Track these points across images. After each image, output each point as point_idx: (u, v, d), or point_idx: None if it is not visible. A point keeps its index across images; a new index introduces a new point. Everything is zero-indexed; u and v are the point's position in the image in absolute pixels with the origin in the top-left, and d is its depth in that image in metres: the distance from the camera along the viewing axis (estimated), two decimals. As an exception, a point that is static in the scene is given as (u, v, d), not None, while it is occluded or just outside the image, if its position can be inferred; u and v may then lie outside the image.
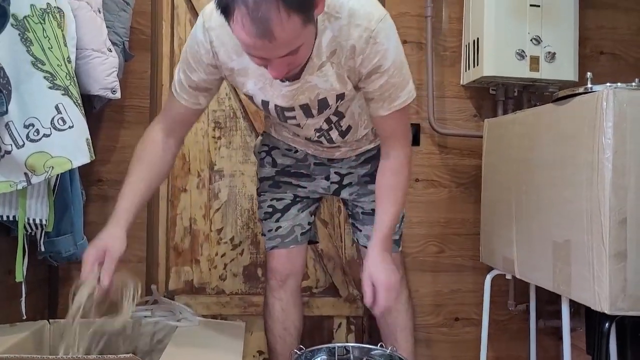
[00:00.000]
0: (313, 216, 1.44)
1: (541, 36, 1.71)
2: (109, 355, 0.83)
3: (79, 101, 1.22)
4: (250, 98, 1.16)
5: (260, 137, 1.47)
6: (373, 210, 1.30)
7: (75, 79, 1.24)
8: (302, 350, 1.14)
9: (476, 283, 1.86)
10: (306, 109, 1.13)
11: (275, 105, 1.12)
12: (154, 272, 1.81)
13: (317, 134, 1.23)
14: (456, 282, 1.90)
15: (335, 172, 1.36)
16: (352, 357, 1.14)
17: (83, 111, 1.22)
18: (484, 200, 1.74)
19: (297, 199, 1.37)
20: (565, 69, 1.74)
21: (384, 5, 1.83)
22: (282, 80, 1.06)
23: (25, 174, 1.11)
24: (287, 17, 0.82)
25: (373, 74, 1.03)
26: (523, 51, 1.71)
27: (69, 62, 1.23)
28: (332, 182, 1.37)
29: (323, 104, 1.12)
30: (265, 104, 1.13)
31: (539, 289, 1.71)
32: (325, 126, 1.20)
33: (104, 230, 1.08)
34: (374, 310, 1.12)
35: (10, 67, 1.10)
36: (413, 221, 1.88)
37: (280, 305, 1.38)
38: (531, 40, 1.71)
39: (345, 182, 1.36)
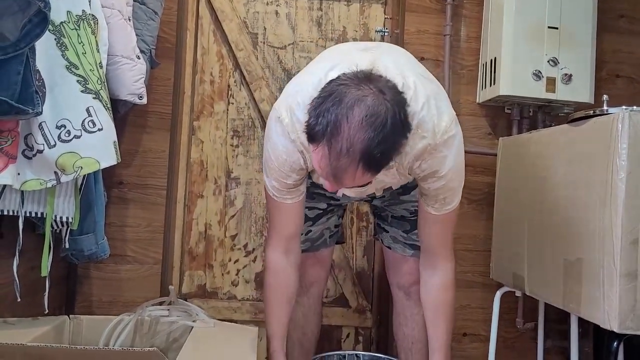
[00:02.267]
0: (340, 219, 1.46)
1: (558, 58, 1.73)
2: (133, 348, 0.86)
3: (109, 105, 1.27)
4: (320, 186, 1.23)
5: None
6: (402, 216, 1.34)
7: (105, 83, 1.29)
8: (313, 357, 1.16)
9: (485, 299, 1.86)
10: (371, 195, 1.24)
11: (344, 195, 1.24)
12: (169, 274, 1.84)
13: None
14: (465, 297, 1.91)
15: None
16: (363, 364, 1.16)
17: (112, 115, 1.26)
18: (496, 217, 1.75)
19: (329, 209, 1.39)
20: (581, 90, 1.75)
21: (403, 24, 1.90)
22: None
23: (55, 172, 1.15)
24: (362, 175, 0.88)
25: (430, 177, 1.07)
26: (540, 72, 1.73)
27: (101, 67, 1.28)
28: (367, 195, 1.37)
29: (387, 189, 1.23)
30: (335, 191, 1.16)
31: (547, 308, 1.72)
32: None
33: None
34: None
35: (46, 71, 1.15)
36: (425, 235, 1.89)
37: (302, 311, 1.39)
38: (548, 61, 1.73)
39: (379, 194, 1.36)
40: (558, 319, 1.79)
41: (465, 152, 1.86)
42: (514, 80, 1.74)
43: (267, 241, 1.25)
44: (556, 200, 1.37)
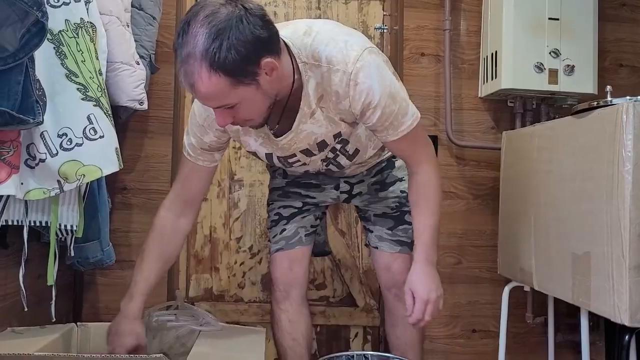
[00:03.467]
0: (318, 220, 1.43)
1: (560, 49, 1.72)
2: (140, 355, 0.86)
3: (109, 112, 1.26)
4: (254, 154, 1.21)
5: None
6: (384, 213, 1.34)
7: (105, 90, 1.29)
8: (321, 357, 1.15)
9: (494, 295, 1.85)
10: (307, 152, 1.17)
11: (278, 157, 1.18)
12: (175, 279, 1.84)
13: (325, 164, 1.24)
14: (473, 293, 1.90)
15: (345, 182, 1.37)
16: (371, 365, 1.16)
17: (113, 122, 1.26)
18: (502, 212, 1.74)
19: (305, 208, 1.39)
20: (584, 81, 1.74)
21: (401, 20, 1.89)
22: (275, 136, 1.10)
23: (58, 181, 1.15)
24: (208, 76, 0.88)
25: (366, 111, 1.05)
26: (542, 64, 1.72)
27: (100, 74, 1.27)
28: (342, 192, 1.38)
29: (322, 145, 1.15)
30: (268, 156, 1.19)
31: (557, 302, 1.71)
32: (330, 155, 1.21)
33: (122, 326, 1.13)
34: (409, 320, 1.13)
35: (46, 79, 1.15)
36: (430, 232, 1.88)
37: (287, 317, 1.35)
38: (550, 53, 1.72)
39: (355, 191, 1.37)
40: (568, 312, 1.78)
41: (469, 147, 1.89)
42: (516, 73, 1.73)
43: (164, 201, 1.23)
44: (562, 193, 1.36)
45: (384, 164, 1.36)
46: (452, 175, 1.90)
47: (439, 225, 1.22)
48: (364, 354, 1.18)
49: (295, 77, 1.02)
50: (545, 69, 1.72)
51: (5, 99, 1.02)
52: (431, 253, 1.18)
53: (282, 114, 1.06)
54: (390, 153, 1.34)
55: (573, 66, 1.73)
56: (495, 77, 1.78)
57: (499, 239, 1.75)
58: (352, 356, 1.18)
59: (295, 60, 1.01)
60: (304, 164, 1.22)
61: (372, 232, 1.39)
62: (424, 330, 1.41)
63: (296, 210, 1.38)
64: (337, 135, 1.13)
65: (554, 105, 1.88)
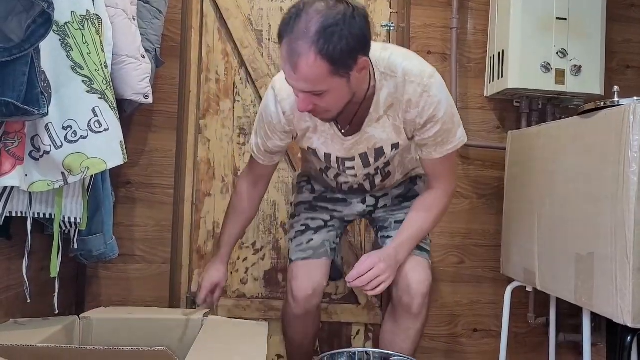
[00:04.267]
0: (339, 239, 1.46)
1: (567, 49, 1.71)
2: (142, 348, 0.86)
3: (114, 105, 1.26)
4: (314, 152, 1.26)
5: (298, 172, 1.56)
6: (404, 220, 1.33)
7: (111, 83, 1.29)
8: (323, 354, 1.15)
9: (496, 295, 1.85)
10: (364, 158, 1.23)
11: (337, 157, 1.25)
12: (178, 274, 1.84)
13: (364, 179, 1.32)
14: (476, 293, 1.89)
15: (371, 196, 1.40)
16: (372, 362, 1.16)
17: (118, 115, 1.26)
18: (506, 212, 1.73)
19: (330, 223, 1.41)
20: (591, 82, 1.73)
21: (408, 18, 1.88)
22: (344, 135, 1.19)
23: (63, 173, 1.15)
24: (314, 59, 0.96)
25: (428, 122, 1.14)
26: (549, 64, 1.71)
27: (106, 67, 1.27)
28: (367, 206, 1.41)
29: (379, 152, 1.22)
30: (327, 156, 1.25)
31: (559, 303, 1.70)
32: (372, 172, 1.29)
33: (211, 266, 1.40)
34: (347, 277, 1.18)
35: (51, 71, 1.15)
36: (434, 231, 1.88)
37: (302, 322, 1.38)
38: (557, 53, 1.71)
39: (380, 204, 1.40)
40: (570, 313, 1.77)
41: (474, 146, 1.89)
42: (523, 72, 1.72)
43: (241, 174, 1.44)
44: (567, 193, 1.36)
45: (406, 180, 1.42)
46: (457, 174, 1.90)
47: (422, 237, 1.28)
48: (365, 351, 1.17)
49: (371, 84, 1.11)
50: (552, 69, 1.72)
51: (10, 90, 1.02)
52: (402, 251, 1.22)
53: (354, 116, 1.14)
54: (412, 174, 1.41)
55: (580, 67, 1.72)
56: (502, 77, 1.77)
57: (503, 239, 1.74)
58: (354, 353, 1.18)
59: (373, 69, 1.10)
60: (354, 175, 1.29)
61: (391, 237, 1.36)
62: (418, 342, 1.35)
63: (323, 223, 1.40)
64: (395, 146, 1.21)
65: (560, 106, 1.87)
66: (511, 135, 1.74)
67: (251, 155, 1.36)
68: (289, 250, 1.44)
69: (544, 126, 1.57)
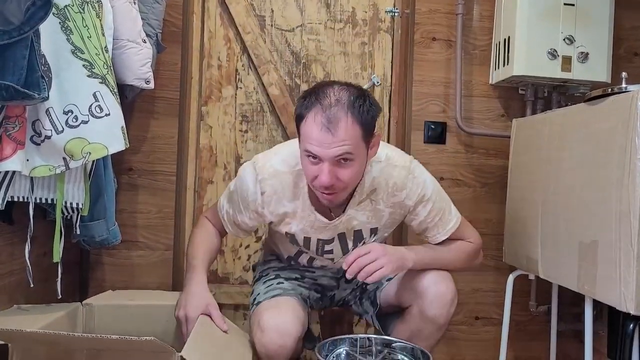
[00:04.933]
0: (311, 302, 1.33)
1: (574, 36, 1.69)
2: (131, 337, 0.86)
3: (115, 90, 1.25)
4: (292, 236, 1.23)
5: (259, 264, 1.47)
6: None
7: (112, 68, 1.28)
8: (325, 340, 1.15)
9: (497, 283, 1.85)
10: (342, 239, 1.22)
11: (318, 239, 1.23)
12: (181, 260, 1.84)
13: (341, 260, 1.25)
14: (477, 281, 1.89)
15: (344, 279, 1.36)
16: (374, 348, 1.15)
17: (119, 100, 1.25)
18: (509, 200, 1.73)
19: (303, 281, 1.34)
20: (598, 69, 1.71)
21: (413, 3, 1.86)
22: (328, 219, 1.18)
23: (64, 158, 1.15)
24: (351, 124, 1.03)
25: (419, 204, 1.18)
26: (555, 51, 1.69)
27: (106, 51, 1.26)
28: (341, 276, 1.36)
29: (358, 236, 1.22)
30: (307, 240, 1.23)
31: (561, 291, 1.70)
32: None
33: (195, 292, 1.16)
34: (345, 261, 1.11)
35: (51, 55, 1.14)
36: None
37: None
38: (564, 39, 1.69)
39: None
40: (572, 302, 1.77)
41: (478, 134, 1.87)
42: (529, 59, 1.70)
43: (206, 214, 1.36)
44: (571, 181, 1.34)
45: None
46: (460, 162, 1.89)
47: (436, 264, 1.22)
48: (367, 337, 1.17)
49: None
50: (558, 55, 1.69)
51: (10, 74, 1.01)
52: (411, 255, 1.17)
53: (345, 202, 1.17)
54: None
55: (587, 53, 1.70)
56: (507, 64, 1.75)
57: (505, 227, 1.73)
58: (356, 339, 1.18)
59: None
60: (332, 259, 1.26)
61: (382, 286, 1.31)
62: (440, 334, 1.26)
63: (295, 278, 1.33)
64: (374, 231, 1.22)
65: (565, 94, 1.85)
66: (516, 123, 1.72)
67: (217, 215, 1.30)
68: (251, 306, 1.27)
69: (550, 113, 1.56)
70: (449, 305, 1.18)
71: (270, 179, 1.17)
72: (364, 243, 1.23)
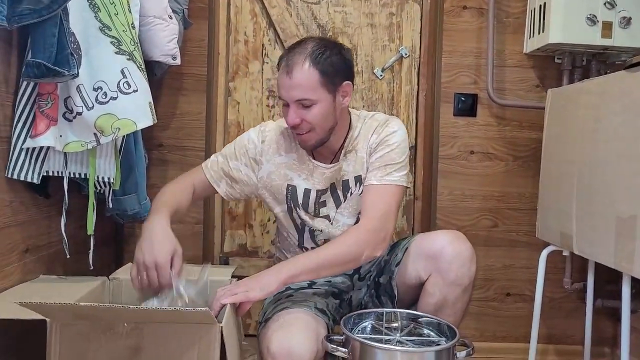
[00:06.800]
0: (329, 308, 1.24)
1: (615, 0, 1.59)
2: (186, 309, 0.88)
3: (142, 66, 1.27)
4: (294, 190, 1.27)
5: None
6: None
7: (139, 44, 1.29)
8: (351, 313, 1.16)
9: (530, 259, 1.81)
10: (334, 190, 1.27)
11: (317, 191, 1.27)
12: (210, 234, 1.88)
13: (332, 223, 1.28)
14: (509, 257, 1.86)
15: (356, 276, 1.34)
16: (400, 322, 1.15)
17: (146, 76, 1.27)
18: (543, 174, 1.67)
19: (315, 285, 1.29)
20: (640, 35, 1.61)
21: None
22: (325, 164, 1.26)
23: (95, 134, 1.18)
24: (307, 68, 1.13)
25: (380, 145, 1.23)
26: (595, 16, 1.60)
27: (133, 28, 1.27)
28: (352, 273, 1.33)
29: (345, 186, 1.27)
30: (307, 193, 1.27)
31: (597, 268, 1.65)
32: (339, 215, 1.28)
33: (164, 237, 1.10)
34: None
35: (80, 33, 1.16)
36: (466, 194, 1.84)
37: None
38: (604, 4, 1.59)
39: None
40: (608, 279, 1.72)
41: (511, 106, 1.81)
42: (566, 26, 1.61)
43: (185, 173, 1.31)
44: (608, 153, 1.29)
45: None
46: (492, 135, 1.84)
47: (300, 272, 1.09)
48: (393, 312, 1.17)
49: (351, 125, 1.27)
50: (598, 21, 1.60)
51: (41, 52, 1.04)
52: (271, 272, 1.08)
53: (337, 151, 1.27)
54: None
55: (630, 18, 1.60)
56: (543, 31, 1.67)
57: (539, 202, 1.68)
58: (382, 313, 1.17)
59: (351, 117, 1.28)
60: (327, 217, 1.28)
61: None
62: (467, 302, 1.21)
63: (307, 285, 1.27)
64: (358, 180, 1.26)
65: (605, 62, 1.76)
66: (551, 93, 1.65)
67: (198, 169, 1.29)
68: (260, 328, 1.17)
69: (587, 82, 1.49)
70: (469, 263, 1.15)
71: (271, 131, 1.30)
72: (351, 194, 1.27)
